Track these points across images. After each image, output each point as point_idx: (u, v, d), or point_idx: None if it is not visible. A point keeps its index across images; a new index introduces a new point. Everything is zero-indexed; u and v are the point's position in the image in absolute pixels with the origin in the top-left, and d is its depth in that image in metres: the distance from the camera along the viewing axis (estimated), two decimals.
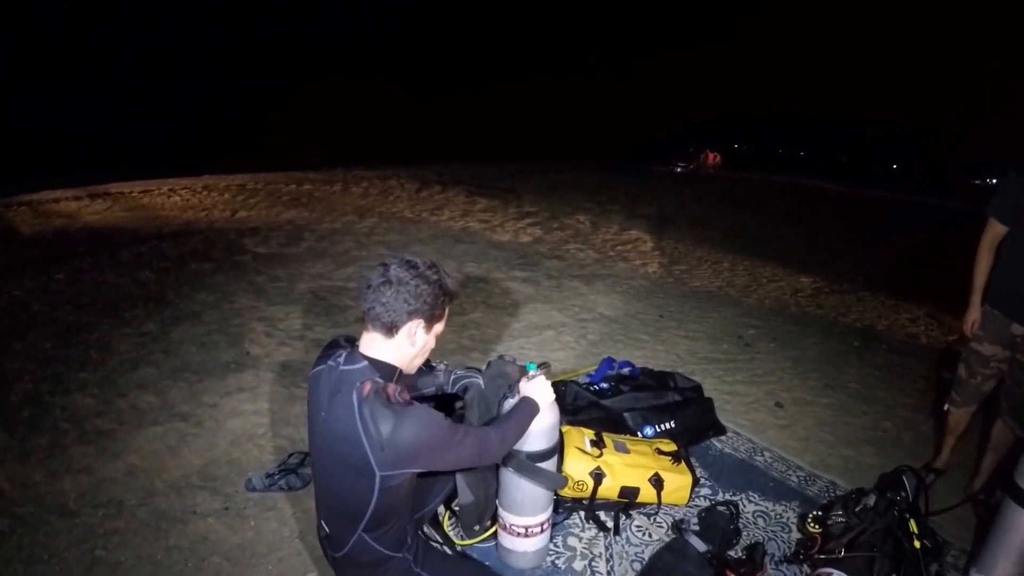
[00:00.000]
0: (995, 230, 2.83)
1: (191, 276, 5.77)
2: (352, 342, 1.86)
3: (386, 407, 1.62)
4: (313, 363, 1.85)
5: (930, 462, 3.32)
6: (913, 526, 2.38)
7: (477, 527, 2.50)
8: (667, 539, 2.63)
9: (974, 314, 2.94)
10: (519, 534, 2.36)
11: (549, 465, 2.30)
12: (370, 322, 1.75)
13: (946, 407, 3.15)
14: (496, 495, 2.42)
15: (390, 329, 1.74)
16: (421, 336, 1.79)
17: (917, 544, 2.33)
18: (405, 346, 1.78)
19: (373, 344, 1.77)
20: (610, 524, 2.69)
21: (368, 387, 1.66)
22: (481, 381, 2.31)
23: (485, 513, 2.48)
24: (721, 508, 2.75)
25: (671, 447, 2.93)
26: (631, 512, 2.78)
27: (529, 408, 2.09)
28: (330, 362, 1.78)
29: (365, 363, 1.73)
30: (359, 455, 1.62)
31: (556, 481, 2.37)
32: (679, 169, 18.07)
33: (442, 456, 1.72)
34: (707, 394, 3.60)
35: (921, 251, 9.88)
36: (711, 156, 19.56)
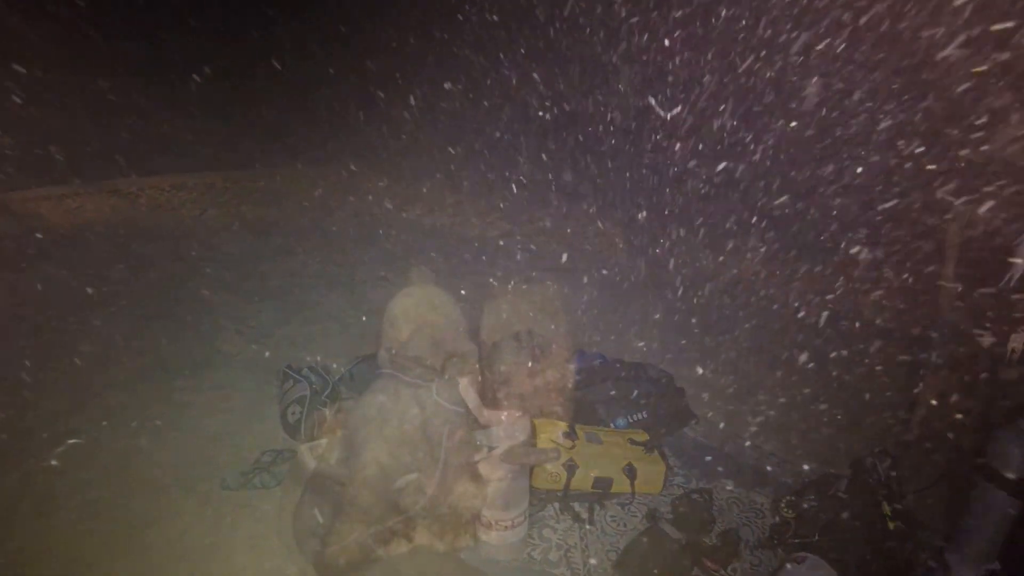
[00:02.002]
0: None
1: (162, 275, 5.70)
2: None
3: None
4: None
5: (900, 436, 3.39)
6: (886, 508, 2.44)
7: None
8: (642, 528, 2.66)
9: None
10: (506, 527, 2.39)
11: None
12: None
13: None
14: None
15: None
16: None
17: (891, 525, 2.38)
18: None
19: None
20: (584, 515, 2.72)
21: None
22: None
23: None
24: (695, 496, 2.78)
25: (643, 437, 2.96)
26: (605, 502, 2.81)
27: None
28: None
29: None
30: None
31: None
32: None
33: None
34: (679, 384, 3.62)
35: None
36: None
